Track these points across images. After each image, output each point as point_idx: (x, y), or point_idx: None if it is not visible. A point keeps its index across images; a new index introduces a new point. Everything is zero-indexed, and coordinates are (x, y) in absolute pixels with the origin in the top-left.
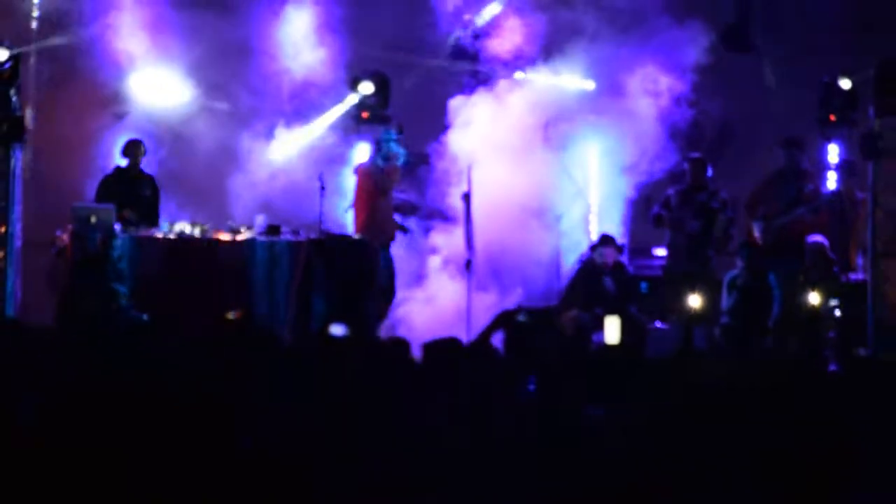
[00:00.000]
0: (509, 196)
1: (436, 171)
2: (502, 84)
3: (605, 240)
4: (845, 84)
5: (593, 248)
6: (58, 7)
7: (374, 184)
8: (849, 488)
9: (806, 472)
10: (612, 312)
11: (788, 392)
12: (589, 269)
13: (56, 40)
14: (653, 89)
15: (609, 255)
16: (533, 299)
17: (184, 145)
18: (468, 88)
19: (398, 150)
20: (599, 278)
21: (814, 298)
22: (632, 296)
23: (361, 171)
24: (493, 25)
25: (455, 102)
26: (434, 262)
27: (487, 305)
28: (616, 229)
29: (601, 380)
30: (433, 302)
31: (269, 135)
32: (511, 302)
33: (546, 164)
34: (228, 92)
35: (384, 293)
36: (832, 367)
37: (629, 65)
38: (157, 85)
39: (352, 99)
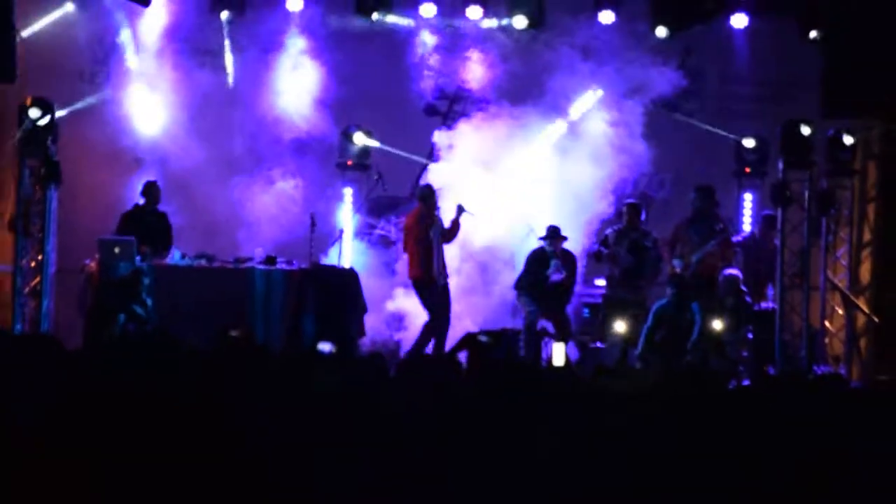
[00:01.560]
0: (476, 229)
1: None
2: (476, 120)
3: (552, 231)
4: (749, 143)
5: (543, 239)
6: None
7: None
8: (760, 484)
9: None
10: (556, 293)
11: (704, 403)
12: (539, 255)
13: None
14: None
15: (556, 245)
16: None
17: (193, 188)
18: (449, 124)
19: None
20: (548, 262)
21: (717, 325)
22: (573, 275)
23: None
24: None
25: (439, 137)
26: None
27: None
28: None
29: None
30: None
31: (267, 178)
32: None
33: (502, 205)
34: (229, 139)
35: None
36: (745, 382)
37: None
38: (166, 137)
39: (360, 148)
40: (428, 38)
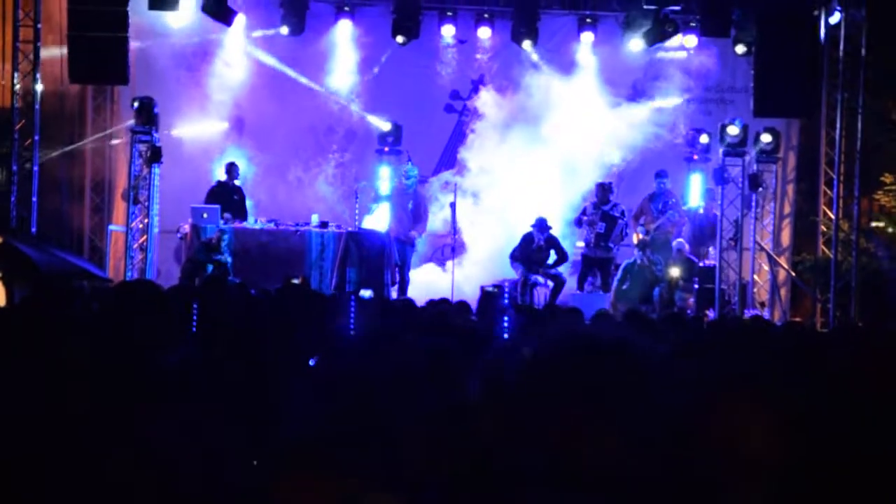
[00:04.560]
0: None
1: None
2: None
3: (541, 226)
4: (704, 139)
5: (533, 226)
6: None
7: None
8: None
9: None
10: (539, 264)
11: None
12: (528, 239)
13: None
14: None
15: (541, 236)
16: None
17: (266, 168)
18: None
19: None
20: (532, 244)
21: (675, 272)
22: (556, 252)
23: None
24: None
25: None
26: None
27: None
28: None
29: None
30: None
31: (323, 160)
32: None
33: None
34: (294, 131)
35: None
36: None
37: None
38: (245, 129)
39: (394, 136)
40: (448, 53)
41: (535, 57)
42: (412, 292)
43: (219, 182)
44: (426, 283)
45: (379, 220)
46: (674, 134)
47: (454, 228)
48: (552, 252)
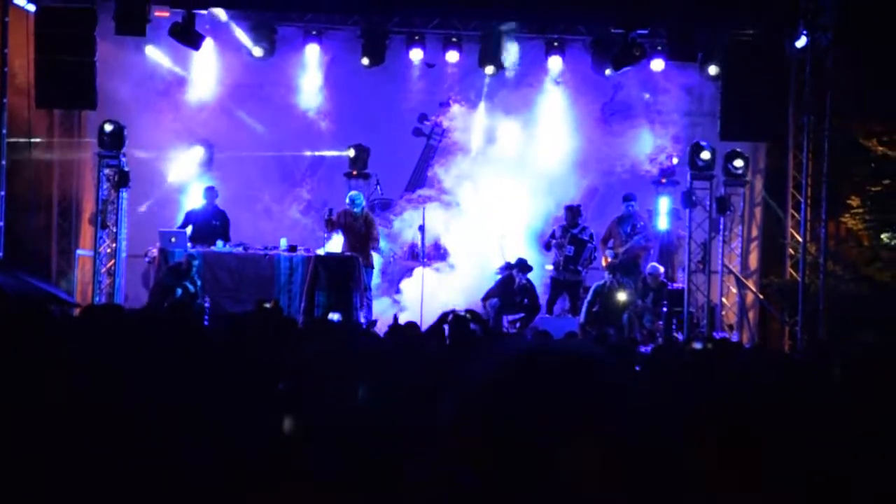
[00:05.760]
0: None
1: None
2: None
3: (522, 266)
4: (674, 160)
5: (511, 267)
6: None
7: None
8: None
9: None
10: (517, 306)
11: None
12: (508, 280)
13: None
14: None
15: (522, 277)
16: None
17: (238, 194)
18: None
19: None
20: (513, 286)
21: (622, 296)
22: (535, 303)
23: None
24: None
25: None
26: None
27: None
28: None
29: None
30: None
31: (292, 185)
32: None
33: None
34: (263, 157)
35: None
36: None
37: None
38: (214, 157)
39: (361, 161)
40: (416, 76)
41: (486, 80)
42: (408, 301)
43: (196, 207)
44: (421, 295)
45: (335, 247)
46: (647, 155)
47: (423, 252)
48: (526, 299)
